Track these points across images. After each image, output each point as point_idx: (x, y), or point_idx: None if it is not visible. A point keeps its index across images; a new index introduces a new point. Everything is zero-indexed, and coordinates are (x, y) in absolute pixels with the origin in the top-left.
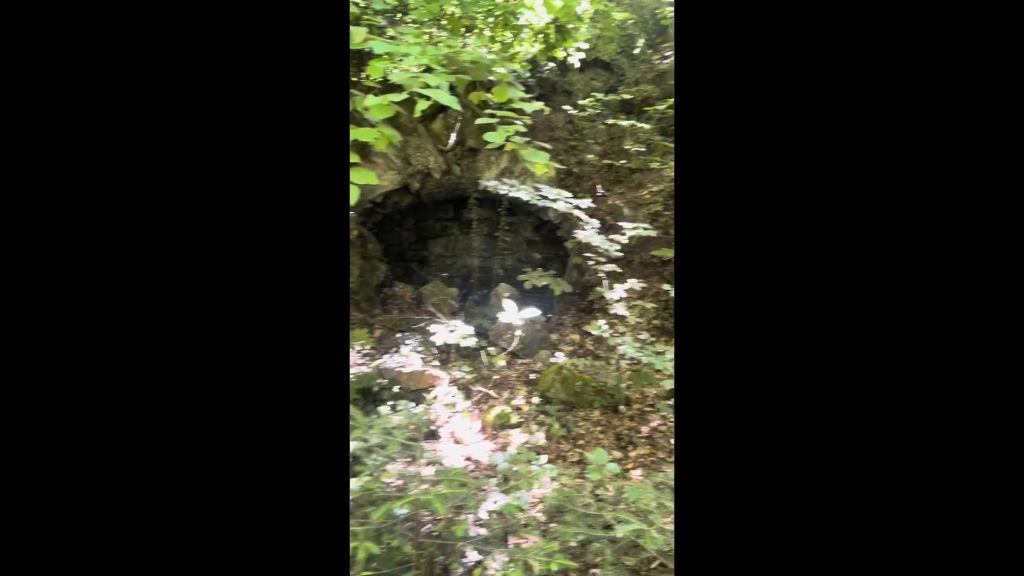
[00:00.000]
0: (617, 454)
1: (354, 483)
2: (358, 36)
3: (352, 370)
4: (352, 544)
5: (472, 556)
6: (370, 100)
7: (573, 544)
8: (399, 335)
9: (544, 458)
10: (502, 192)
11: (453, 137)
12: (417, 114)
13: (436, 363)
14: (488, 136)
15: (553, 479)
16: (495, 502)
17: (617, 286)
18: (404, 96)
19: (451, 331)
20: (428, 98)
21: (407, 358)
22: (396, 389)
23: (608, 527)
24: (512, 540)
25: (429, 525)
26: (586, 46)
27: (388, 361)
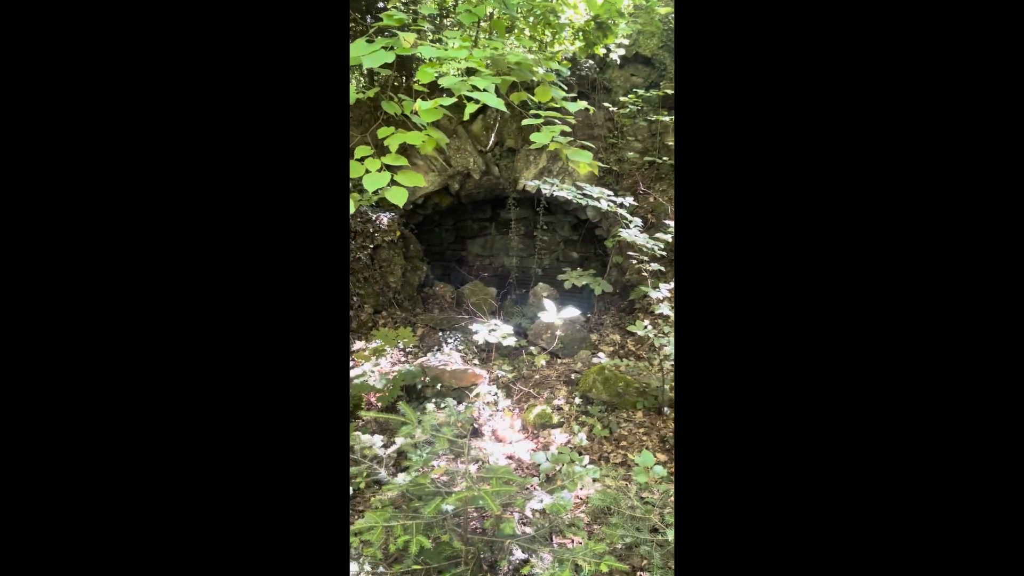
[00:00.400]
0: (662, 457)
1: (402, 477)
2: (407, 42)
3: (396, 367)
4: (404, 538)
5: (518, 554)
6: (420, 104)
7: (619, 546)
8: (440, 333)
9: (586, 459)
10: (545, 192)
11: (492, 138)
12: (466, 117)
13: (476, 362)
14: (534, 137)
15: (596, 480)
16: (540, 501)
17: (662, 285)
18: (453, 100)
19: (491, 330)
20: (477, 101)
21: (449, 356)
22: (439, 387)
23: (655, 530)
24: (556, 539)
25: (475, 523)
26: (627, 42)
27: (431, 359)
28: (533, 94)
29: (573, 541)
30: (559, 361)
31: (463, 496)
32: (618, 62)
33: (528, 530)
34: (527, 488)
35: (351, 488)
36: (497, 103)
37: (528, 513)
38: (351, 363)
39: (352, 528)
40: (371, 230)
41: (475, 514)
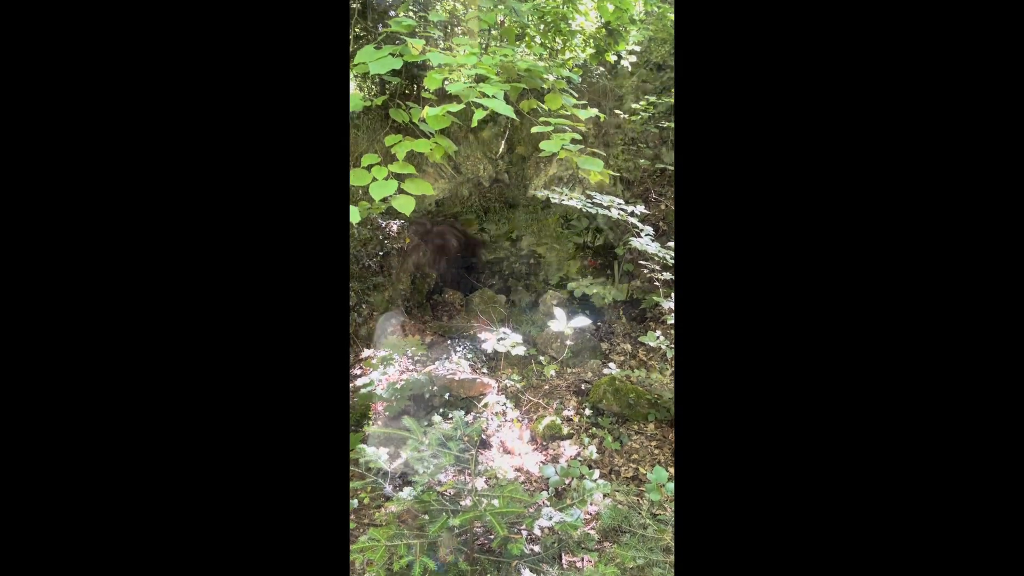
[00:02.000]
0: (673, 471)
1: (407, 491)
2: (415, 48)
3: (404, 376)
4: (408, 558)
5: (527, 575)
6: (427, 111)
7: (631, 567)
8: (449, 341)
9: (596, 473)
10: (555, 200)
11: (503, 145)
12: (474, 124)
13: (485, 370)
14: (544, 144)
15: (607, 495)
16: (549, 518)
17: (674, 294)
18: (461, 107)
19: (500, 339)
20: (486, 108)
21: (457, 365)
22: (447, 396)
23: (668, 550)
24: (566, 558)
25: (482, 539)
26: (638, 48)
27: (439, 368)
28: (543, 101)
29: (583, 560)
30: (568, 371)
31: (470, 516)
32: (629, 69)
33: (536, 548)
34: (536, 504)
35: (356, 501)
36: (506, 110)
37: (537, 531)
38: (359, 371)
39: (355, 546)
40: (380, 237)
41: (480, 529)
